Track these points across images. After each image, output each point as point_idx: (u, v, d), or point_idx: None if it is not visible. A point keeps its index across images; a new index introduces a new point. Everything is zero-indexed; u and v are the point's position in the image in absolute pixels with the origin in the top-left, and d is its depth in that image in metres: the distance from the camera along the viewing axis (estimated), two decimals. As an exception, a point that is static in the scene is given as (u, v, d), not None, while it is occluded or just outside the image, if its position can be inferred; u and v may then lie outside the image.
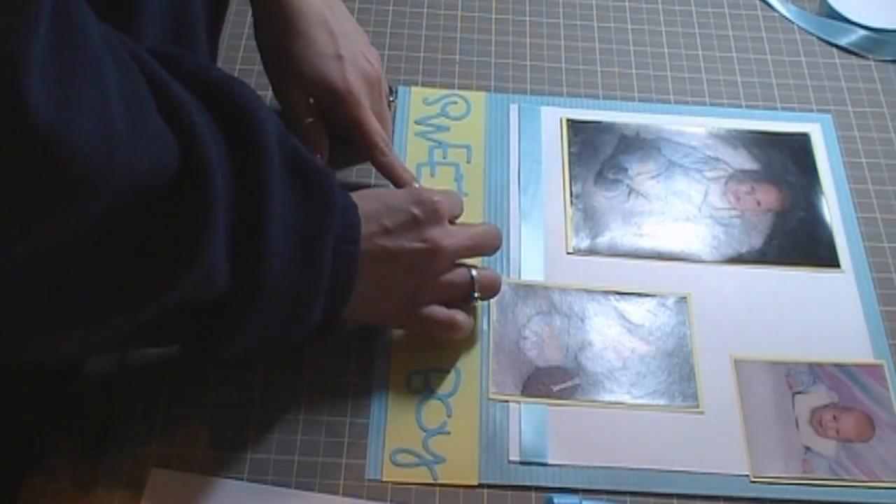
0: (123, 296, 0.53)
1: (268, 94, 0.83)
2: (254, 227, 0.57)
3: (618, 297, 0.76)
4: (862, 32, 0.94)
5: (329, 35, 0.75)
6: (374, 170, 0.78)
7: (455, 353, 0.72)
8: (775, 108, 0.89)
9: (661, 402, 0.71)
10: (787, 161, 0.85)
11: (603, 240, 0.79)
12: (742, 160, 0.85)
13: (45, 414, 0.68)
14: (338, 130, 0.78)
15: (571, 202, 0.81)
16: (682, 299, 0.76)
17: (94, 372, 0.70)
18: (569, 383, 0.71)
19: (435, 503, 0.66)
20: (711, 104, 0.89)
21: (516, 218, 0.80)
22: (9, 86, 0.42)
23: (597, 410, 0.70)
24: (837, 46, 0.94)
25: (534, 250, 0.78)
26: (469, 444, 0.68)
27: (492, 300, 0.74)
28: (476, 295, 0.70)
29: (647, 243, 0.79)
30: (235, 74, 0.86)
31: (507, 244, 0.78)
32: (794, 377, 0.73)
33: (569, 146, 0.85)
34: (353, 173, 0.81)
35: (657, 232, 0.80)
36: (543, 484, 0.67)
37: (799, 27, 0.96)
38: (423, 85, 0.88)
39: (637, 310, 0.75)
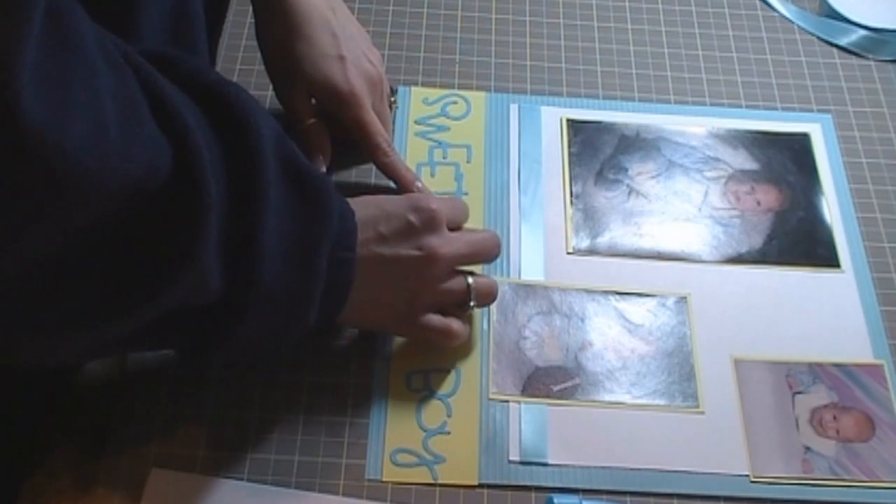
0: (117, 300, 0.53)
1: (267, 95, 0.83)
2: (248, 231, 0.56)
3: (618, 297, 0.76)
4: (862, 32, 0.94)
5: (331, 36, 0.75)
6: (374, 170, 0.79)
7: (455, 354, 0.72)
8: (775, 108, 0.89)
9: (661, 402, 0.71)
10: (787, 161, 0.85)
11: (603, 240, 0.79)
12: (742, 160, 0.85)
13: (45, 414, 0.68)
14: (339, 131, 0.78)
15: (571, 202, 0.81)
16: (682, 299, 0.76)
17: (94, 372, 0.70)
18: (569, 383, 0.71)
19: (435, 503, 0.66)
20: (711, 104, 0.89)
21: (516, 218, 0.80)
22: (1, 87, 0.41)
23: (597, 410, 0.70)
24: (837, 46, 0.94)
25: (534, 250, 0.78)
26: (469, 444, 0.68)
27: (491, 300, 0.74)
28: (472, 303, 0.70)
29: (647, 243, 0.79)
30: (235, 75, 0.86)
31: (507, 244, 0.78)
32: (794, 377, 0.73)
33: (569, 146, 0.85)
34: (353, 174, 0.81)
35: (657, 232, 0.80)
36: (543, 484, 0.67)
37: (799, 27, 0.96)
38: (423, 85, 0.88)
39: (637, 310, 0.75)
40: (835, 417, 0.71)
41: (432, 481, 0.67)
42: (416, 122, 0.85)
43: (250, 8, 0.79)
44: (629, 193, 0.82)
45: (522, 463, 0.68)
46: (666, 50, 0.93)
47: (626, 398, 0.71)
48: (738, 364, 0.73)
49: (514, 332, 0.74)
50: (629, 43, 0.93)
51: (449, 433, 0.69)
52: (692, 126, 0.87)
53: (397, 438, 0.68)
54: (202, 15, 0.70)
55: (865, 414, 0.71)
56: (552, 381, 0.71)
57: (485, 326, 0.74)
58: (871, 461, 0.69)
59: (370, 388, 0.70)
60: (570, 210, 0.81)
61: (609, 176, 0.83)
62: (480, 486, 0.67)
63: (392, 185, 0.77)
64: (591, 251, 0.78)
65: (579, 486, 0.67)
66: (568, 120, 0.86)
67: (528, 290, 0.76)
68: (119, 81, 0.49)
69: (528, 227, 0.79)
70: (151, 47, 0.57)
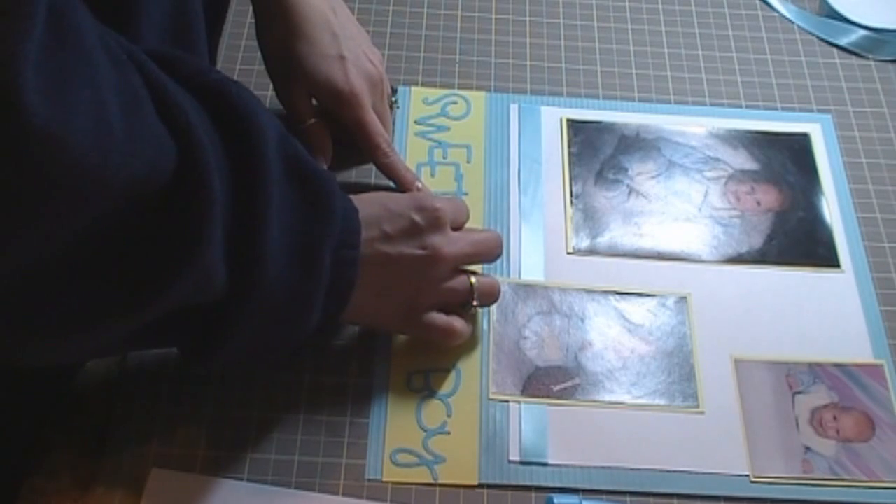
0: (121, 298, 0.53)
1: (268, 95, 0.83)
2: (251, 229, 0.56)
3: (618, 297, 0.76)
4: (862, 32, 0.94)
5: (332, 36, 0.75)
6: (374, 170, 0.79)
7: (455, 353, 0.72)
8: (775, 108, 0.89)
9: (661, 402, 0.71)
10: (787, 161, 0.85)
11: (603, 240, 0.79)
12: (742, 160, 0.85)
13: (45, 414, 0.68)
14: (339, 132, 0.78)
15: (571, 202, 0.81)
16: (682, 299, 0.76)
17: (94, 372, 0.70)
18: (569, 383, 0.71)
19: (435, 503, 0.66)
20: (711, 104, 0.89)
21: (516, 218, 0.80)
22: (4, 86, 0.42)
23: (597, 410, 0.70)
24: (837, 46, 0.94)
25: (534, 250, 0.78)
26: (469, 444, 0.68)
27: (491, 301, 0.74)
28: (475, 303, 0.70)
29: (647, 243, 0.79)
30: (235, 74, 0.86)
31: (507, 244, 0.78)
32: (794, 377, 0.73)
33: (569, 146, 0.85)
34: (353, 174, 0.81)
35: (657, 232, 0.80)
36: (543, 484, 0.67)
37: (799, 27, 0.96)
38: (423, 85, 0.88)
39: (637, 310, 0.75)
40: (835, 417, 0.71)
41: (432, 481, 0.67)
42: (416, 122, 0.85)
43: (250, 8, 0.79)
44: (629, 193, 0.82)
45: (522, 463, 0.68)
46: (666, 50, 0.93)
47: (626, 398, 0.71)
48: (738, 364, 0.73)
49: (514, 332, 0.74)
50: (629, 43, 0.93)
51: (449, 433, 0.69)
52: (692, 126, 0.87)
53: (397, 438, 0.68)
54: (202, 15, 0.70)
55: (865, 414, 0.71)
56: (552, 381, 0.72)
57: (485, 326, 0.74)
58: (871, 461, 0.69)
59: (370, 388, 0.70)
60: (570, 210, 0.81)
61: (609, 176, 0.83)
62: (480, 486, 0.67)
63: (392, 185, 0.77)
64: (591, 251, 0.78)
65: (579, 486, 0.67)
66: (568, 120, 0.86)
67: (528, 290, 0.76)
68: (122, 78, 0.49)
69: (528, 227, 0.79)
70: (152, 47, 0.56)
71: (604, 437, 0.69)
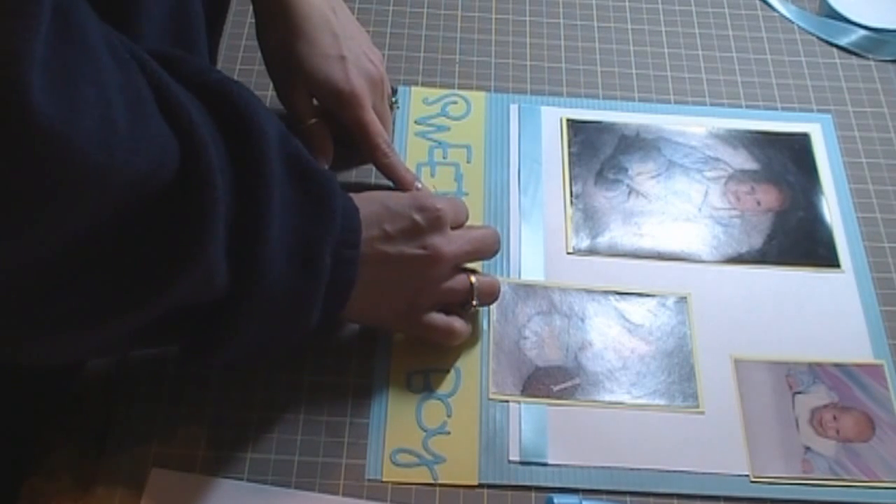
0: (123, 296, 0.53)
1: (268, 95, 0.83)
2: (253, 228, 0.57)
3: (618, 297, 0.76)
4: (862, 32, 0.94)
5: (332, 36, 0.75)
6: (374, 170, 0.79)
7: (455, 353, 0.72)
8: (775, 108, 0.89)
9: (661, 402, 0.71)
10: (787, 161, 0.85)
11: (603, 240, 0.79)
12: (742, 160, 0.85)
13: (45, 414, 0.68)
14: (339, 132, 0.78)
15: (571, 202, 0.81)
16: (682, 299, 0.76)
17: (94, 372, 0.70)
18: (569, 383, 0.71)
19: (435, 503, 0.66)
20: (711, 104, 0.89)
21: (516, 218, 0.80)
22: (10, 85, 0.42)
23: (597, 410, 0.70)
24: (837, 46, 0.94)
25: (534, 250, 0.78)
26: (469, 444, 0.68)
27: (491, 300, 0.74)
28: (474, 302, 0.70)
29: (647, 243, 0.79)
30: (235, 74, 0.86)
31: (507, 244, 0.78)
32: (794, 377, 0.73)
33: (569, 146, 0.85)
34: (353, 174, 0.81)
35: (657, 232, 0.80)
36: (543, 484, 0.67)
37: (799, 27, 0.96)
38: (423, 85, 0.88)
39: (637, 310, 0.75)
40: (835, 417, 0.71)
41: (432, 481, 0.67)
42: (416, 122, 0.85)
43: (250, 8, 0.79)
44: (629, 193, 0.82)
45: (522, 463, 0.68)
46: (666, 50, 0.93)
47: (626, 398, 0.71)
48: (738, 364, 0.73)
49: (514, 332, 0.74)
50: (629, 43, 0.93)
51: (449, 433, 0.69)
52: (692, 126, 0.87)
53: (397, 438, 0.68)
54: (202, 15, 0.70)
55: (865, 414, 0.71)
56: (552, 381, 0.72)
57: (485, 326, 0.74)
58: (871, 461, 0.69)
59: (370, 388, 0.70)
60: (570, 210, 0.81)
61: (609, 176, 0.83)
62: (480, 486, 0.67)
63: (392, 185, 0.77)
64: (591, 251, 0.78)
65: (579, 486, 0.67)
66: (568, 120, 0.86)
67: (528, 290, 0.76)
68: (126, 77, 0.50)
69: (528, 227, 0.79)
70: (152, 47, 0.57)
71: (604, 437, 0.69)
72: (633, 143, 0.85)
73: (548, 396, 0.71)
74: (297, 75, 0.75)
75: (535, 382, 0.71)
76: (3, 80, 0.42)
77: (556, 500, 0.65)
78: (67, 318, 0.52)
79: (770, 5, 0.98)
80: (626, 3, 0.97)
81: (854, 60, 0.93)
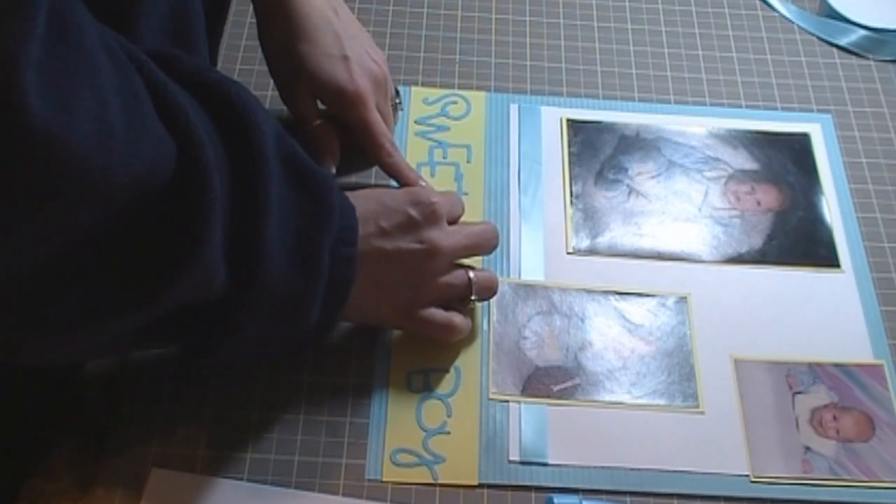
0: (122, 297, 0.53)
1: (268, 95, 0.83)
2: (251, 228, 0.57)
3: (618, 297, 0.76)
4: (862, 32, 0.94)
5: (334, 36, 0.75)
6: (375, 169, 0.79)
7: (455, 353, 0.72)
8: (775, 108, 0.89)
9: (661, 402, 0.71)
10: (787, 161, 0.85)
11: (603, 240, 0.79)
12: (742, 160, 0.85)
13: (45, 414, 0.68)
14: (342, 133, 0.78)
15: (571, 202, 0.81)
16: (682, 299, 0.76)
17: (94, 372, 0.70)
18: (569, 383, 0.71)
19: (435, 503, 0.66)
20: (711, 104, 0.89)
21: (516, 218, 0.80)
22: (5, 87, 0.42)
23: (597, 410, 0.70)
24: (837, 46, 0.94)
25: (534, 250, 0.78)
26: (469, 444, 0.68)
27: (492, 300, 0.74)
28: (473, 297, 0.70)
29: (647, 243, 0.79)
30: (235, 74, 0.86)
31: (507, 244, 0.78)
32: (794, 377, 0.73)
33: (569, 146, 0.85)
34: (352, 175, 0.81)
35: (657, 232, 0.80)
36: (543, 484, 0.67)
37: (799, 27, 0.96)
38: (423, 85, 0.88)
39: (637, 310, 0.75)
40: (835, 417, 0.71)
41: (432, 481, 0.67)
42: (416, 122, 0.85)
43: (250, 8, 0.79)
44: (629, 193, 0.82)
45: (522, 463, 0.68)
46: (666, 50, 0.93)
47: (626, 398, 0.71)
48: (738, 364, 0.73)
49: (514, 332, 0.74)
50: (629, 43, 0.93)
51: (449, 433, 0.69)
52: (692, 126, 0.87)
53: (397, 438, 0.68)
54: (202, 15, 0.70)
55: (865, 414, 0.71)
56: (552, 381, 0.72)
57: (485, 326, 0.74)
58: (871, 461, 0.69)
59: (370, 388, 0.70)
60: (570, 210, 0.81)
61: (609, 176, 0.83)
62: (480, 486, 0.67)
63: (394, 184, 0.77)
64: (591, 251, 0.78)
65: (579, 486, 0.67)
66: (568, 120, 0.86)
67: (528, 290, 0.76)
68: (122, 79, 0.50)
69: (528, 227, 0.79)
70: (152, 46, 0.57)
71: (604, 437, 0.69)
72: (633, 143, 0.85)
73: (548, 396, 0.71)
74: (300, 76, 0.75)
75: (535, 382, 0.71)
76: None
77: (556, 500, 0.65)
78: (65, 319, 0.52)
79: (770, 5, 0.98)
80: (626, 3, 0.97)
81: (854, 60, 0.93)
